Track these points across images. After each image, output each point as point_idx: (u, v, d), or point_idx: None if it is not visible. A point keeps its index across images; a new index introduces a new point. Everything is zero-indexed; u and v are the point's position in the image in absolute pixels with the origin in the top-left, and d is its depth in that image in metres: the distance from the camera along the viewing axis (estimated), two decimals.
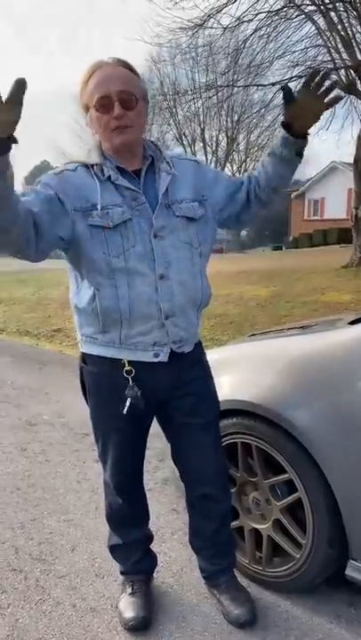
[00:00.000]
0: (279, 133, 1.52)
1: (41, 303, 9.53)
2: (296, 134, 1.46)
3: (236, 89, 12.18)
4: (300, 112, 1.42)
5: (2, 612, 1.83)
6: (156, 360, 1.54)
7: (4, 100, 1.09)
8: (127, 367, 1.53)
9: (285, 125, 1.47)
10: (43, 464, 3.04)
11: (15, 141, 1.17)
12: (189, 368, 1.64)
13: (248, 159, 29.76)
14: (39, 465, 3.02)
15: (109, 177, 1.47)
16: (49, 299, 9.94)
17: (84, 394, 1.70)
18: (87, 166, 1.50)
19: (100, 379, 1.61)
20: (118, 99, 1.42)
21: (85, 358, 1.64)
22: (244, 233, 37.56)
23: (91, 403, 1.69)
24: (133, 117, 1.45)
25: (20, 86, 1.09)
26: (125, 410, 1.53)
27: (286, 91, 1.42)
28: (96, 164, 1.49)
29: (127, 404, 1.53)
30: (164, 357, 1.55)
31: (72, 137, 33.91)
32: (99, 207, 1.44)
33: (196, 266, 1.57)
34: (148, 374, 1.55)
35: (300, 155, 1.52)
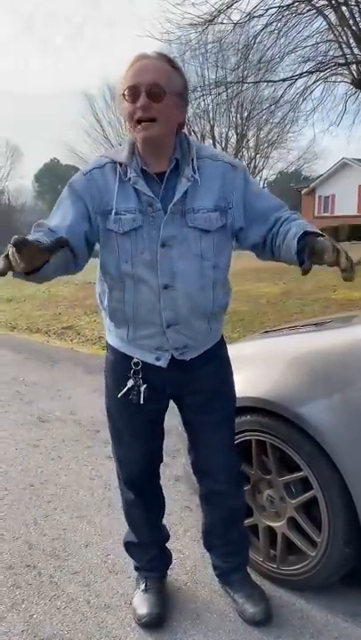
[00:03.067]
0: (294, 244, 1.38)
1: (51, 300, 9.57)
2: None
3: (245, 85, 12.12)
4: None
5: (16, 607, 1.84)
6: (157, 363, 1.57)
7: (39, 248, 1.18)
8: (135, 360, 1.57)
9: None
10: (55, 460, 3.05)
11: (37, 270, 1.24)
12: (202, 365, 1.62)
13: (258, 156, 29.62)
14: (51, 461, 3.03)
15: (130, 179, 1.45)
16: (59, 296, 9.98)
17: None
18: (115, 163, 1.48)
19: (113, 366, 1.66)
20: (146, 90, 1.39)
21: (107, 346, 1.70)
22: None
23: (105, 390, 1.72)
24: (160, 110, 1.40)
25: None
26: (120, 394, 1.58)
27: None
28: (122, 164, 1.47)
29: (124, 389, 1.57)
30: (163, 363, 1.57)
31: (80, 134, 34.00)
32: (112, 212, 1.45)
33: (207, 278, 1.51)
34: (153, 370, 1.58)
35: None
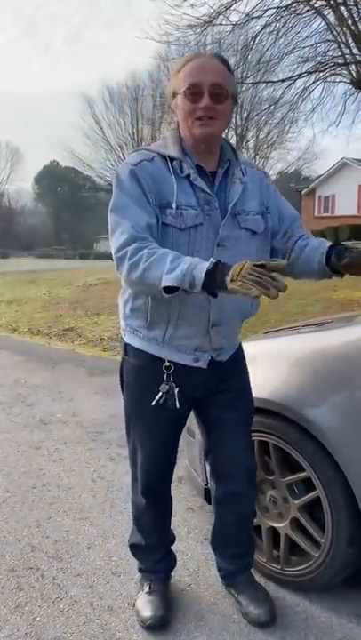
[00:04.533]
0: (323, 260, 1.48)
1: (52, 302, 9.58)
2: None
3: (245, 86, 12.10)
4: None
5: (19, 610, 1.83)
6: (195, 365, 1.55)
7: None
8: (167, 363, 1.53)
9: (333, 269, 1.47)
10: (57, 462, 3.04)
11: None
12: (229, 366, 1.63)
13: (257, 156, 29.62)
14: (53, 463, 3.03)
15: (188, 175, 1.44)
16: (60, 298, 9.99)
17: (122, 386, 1.70)
18: (165, 158, 1.46)
19: (138, 371, 1.61)
20: (209, 90, 1.40)
21: (127, 349, 1.63)
22: None
23: (126, 396, 1.68)
24: (220, 111, 1.42)
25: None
26: (154, 402, 1.53)
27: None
28: (175, 159, 1.45)
29: (157, 396, 1.52)
30: (203, 364, 1.56)
31: (80, 137, 34.02)
32: (174, 206, 1.42)
33: None
34: (186, 373, 1.55)
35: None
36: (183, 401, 1.55)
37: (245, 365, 1.72)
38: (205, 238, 1.45)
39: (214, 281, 1.25)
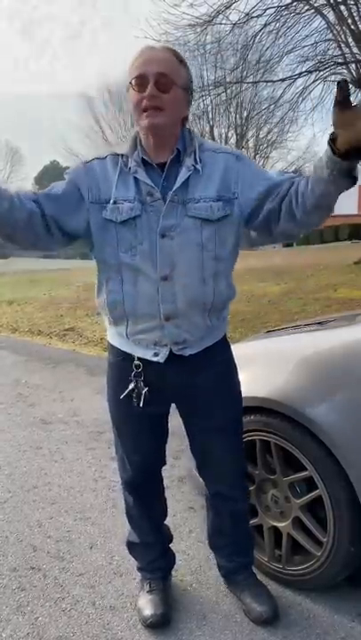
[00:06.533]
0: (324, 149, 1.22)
1: (53, 303, 9.58)
2: (340, 152, 1.18)
3: (245, 85, 12.09)
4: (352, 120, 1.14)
5: (21, 609, 1.83)
6: (155, 359, 1.53)
7: None
8: (136, 361, 1.55)
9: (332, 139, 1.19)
10: (58, 462, 3.04)
11: None
12: (202, 369, 1.58)
13: (258, 156, 29.63)
14: (55, 463, 3.03)
15: (130, 169, 1.45)
16: (61, 298, 9.99)
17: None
18: (117, 155, 1.49)
19: (113, 368, 1.66)
20: (154, 80, 1.38)
21: (108, 346, 1.70)
22: None
23: (107, 392, 1.71)
24: (167, 101, 1.39)
25: None
26: (122, 396, 1.58)
27: (341, 86, 1.12)
28: (124, 155, 1.47)
29: (125, 392, 1.57)
30: (161, 358, 1.53)
31: (80, 137, 34.00)
32: (111, 201, 1.45)
33: (208, 270, 1.47)
34: (154, 370, 1.55)
35: (347, 176, 1.24)
36: (155, 400, 1.57)
37: (228, 369, 1.66)
38: (147, 229, 1.44)
39: None
